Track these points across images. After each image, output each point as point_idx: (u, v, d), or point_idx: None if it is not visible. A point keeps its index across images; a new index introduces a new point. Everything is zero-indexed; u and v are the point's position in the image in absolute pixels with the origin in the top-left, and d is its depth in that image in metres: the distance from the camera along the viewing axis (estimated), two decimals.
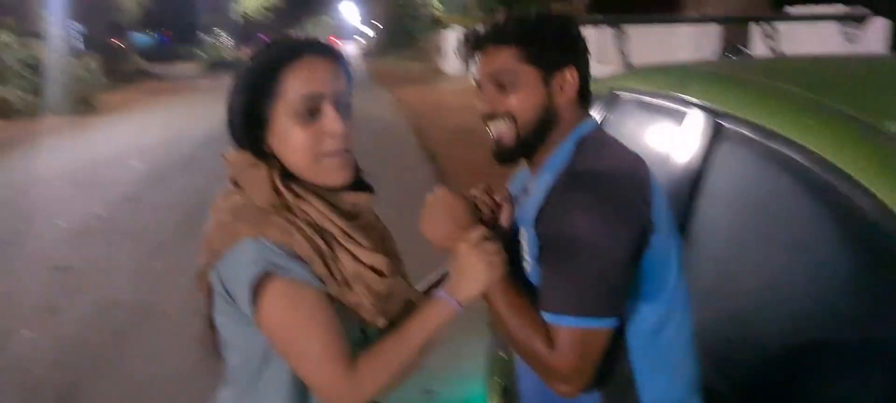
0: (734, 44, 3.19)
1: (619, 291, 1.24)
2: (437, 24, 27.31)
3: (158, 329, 4.39)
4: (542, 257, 1.28)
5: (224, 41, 37.90)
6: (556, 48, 1.35)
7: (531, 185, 1.42)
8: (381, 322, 1.31)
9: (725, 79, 1.87)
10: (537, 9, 1.40)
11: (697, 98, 1.84)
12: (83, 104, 17.34)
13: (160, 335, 4.32)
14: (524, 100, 1.34)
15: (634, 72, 2.53)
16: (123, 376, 3.94)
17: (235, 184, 1.29)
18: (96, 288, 5.27)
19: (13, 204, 7.96)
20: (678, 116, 1.88)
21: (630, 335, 1.30)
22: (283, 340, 1.23)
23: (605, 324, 1.22)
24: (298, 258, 1.21)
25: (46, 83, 16.99)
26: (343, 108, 1.27)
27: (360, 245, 1.27)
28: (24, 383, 3.86)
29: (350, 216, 1.30)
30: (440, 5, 26.74)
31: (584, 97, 1.40)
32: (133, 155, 10.88)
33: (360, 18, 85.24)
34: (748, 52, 3.01)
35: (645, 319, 1.30)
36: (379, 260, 1.28)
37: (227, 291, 1.22)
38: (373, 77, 27.45)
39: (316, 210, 1.25)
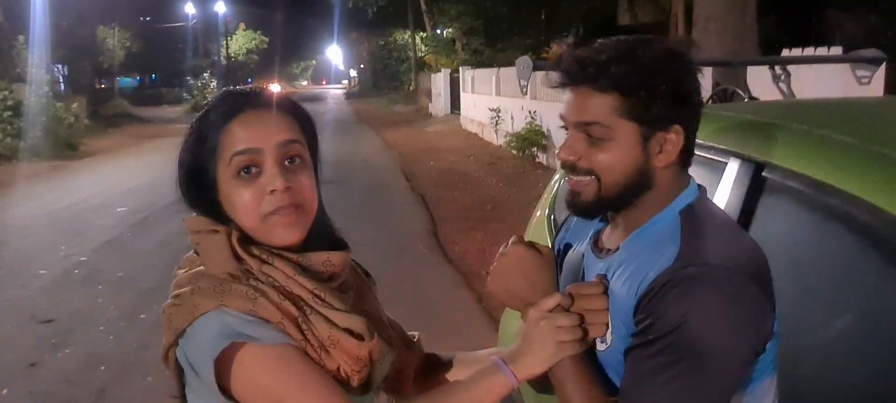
0: (725, 88, 3.06)
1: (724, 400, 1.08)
2: (424, 66, 27.46)
3: (141, 385, 4.20)
4: (644, 349, 1.07)
5: (210, 84, 37.86)
6: (664, 103, 1.11)
7: (611, 242, 1.24)
8: (364, 390, 1.19)
9: (767, 127, 1.73)
10: (650, 49, 1.12)
11: (736, 147, 1.72)
12: (67, 148, 17.20)
13: (143, 393, 4.12)
14: (614, 160, 1.13)
15: None
16: None
17: (197, 252, 1.19)
18: (79, 342, 5.05)
19: None
20: (714, 167, 1.75)
21: None
22: None
23: None
24: (269, 322, 1.10)
25: (30, 127, 16.82)
26: (291, 162, 1.17)
27: (333, 308, 1.15)
28: None
29: (323, 277, 1.18)
30: (425, 47, 26.87)
31: (686, 158, 1.18)
32: (116, 199, 10.70)
33: (344, 62, 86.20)
34: (743, 94, 2.88)
35: None
36: (356, 322, 1.15)
37: (194, 369, 1.11)
38: (360, 118, 27.51)
39: (282, 274, 1.14)
